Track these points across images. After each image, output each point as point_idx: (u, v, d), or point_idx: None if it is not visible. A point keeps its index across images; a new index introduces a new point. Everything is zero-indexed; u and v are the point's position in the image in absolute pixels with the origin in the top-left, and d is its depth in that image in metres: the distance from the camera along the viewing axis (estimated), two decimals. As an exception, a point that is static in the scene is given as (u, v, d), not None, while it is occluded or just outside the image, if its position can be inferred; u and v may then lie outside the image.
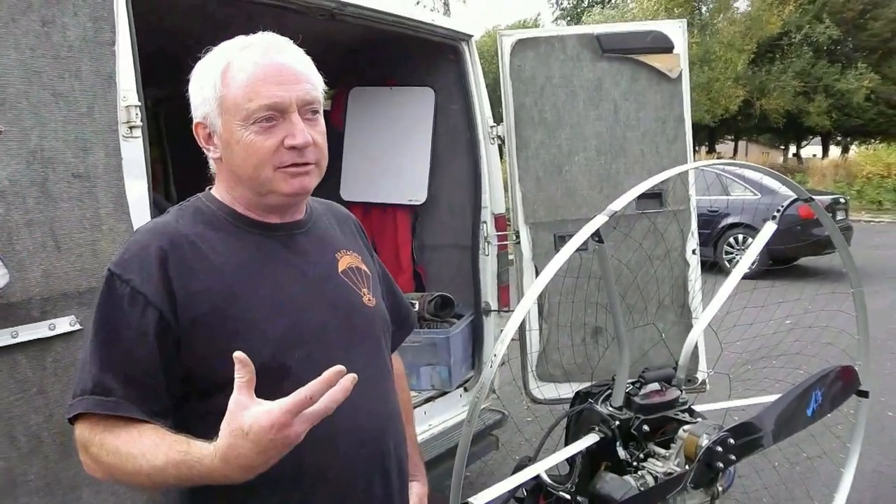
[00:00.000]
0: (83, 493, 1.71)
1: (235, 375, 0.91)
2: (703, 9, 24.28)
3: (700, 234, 3.64)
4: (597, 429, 1.68)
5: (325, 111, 1.23)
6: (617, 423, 1.64)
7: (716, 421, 1.62)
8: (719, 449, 1.46)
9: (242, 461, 0.91)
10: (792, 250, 8.61)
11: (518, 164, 3.25)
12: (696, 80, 19.32)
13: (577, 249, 1.38)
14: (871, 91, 24.26)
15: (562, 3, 33.17)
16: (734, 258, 9.53)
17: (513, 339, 1.37)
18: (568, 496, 1.70)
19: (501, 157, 3.44)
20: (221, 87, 1.12)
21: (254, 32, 1.17)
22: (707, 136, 28.69)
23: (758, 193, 9.59)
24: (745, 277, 1.85)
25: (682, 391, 1.75)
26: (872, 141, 28.18)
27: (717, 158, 23.82)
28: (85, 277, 1.73)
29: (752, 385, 2.63)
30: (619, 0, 28.14)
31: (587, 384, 1.84)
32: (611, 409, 1.69)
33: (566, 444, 1.74)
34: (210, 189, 1.24)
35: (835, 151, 30.80)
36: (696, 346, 1.93)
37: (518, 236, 3.29)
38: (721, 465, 1.47)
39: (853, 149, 30.03)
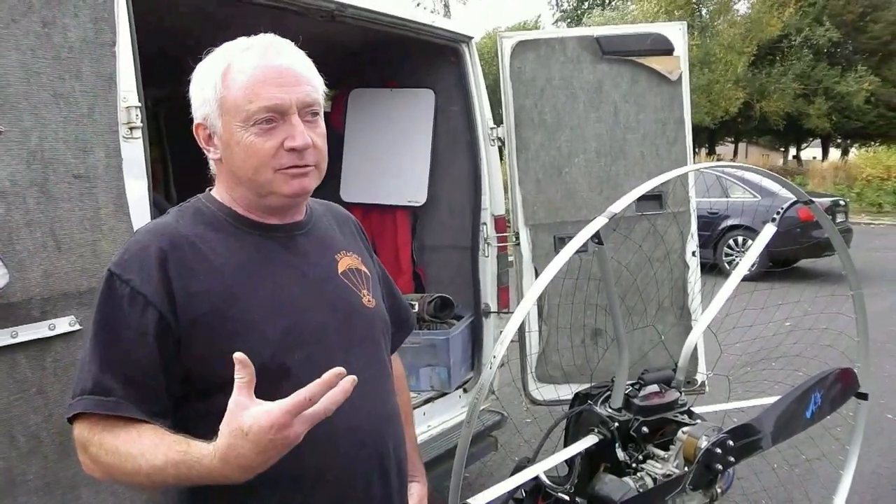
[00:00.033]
0: (82, 493, 1.71)
1: (235, 376, 0.92)
2: (704, 11, 24.32)
3: (700, 235, 3.64)
4: (596, 430, 1.68)
5: (325, 113, 1.24)
6: (616, 424, 1.64)
7: (715, 423, 1.62)
8: (718, 451, 1.46)
9: (242, 461, 0.91)
10: (792, 252, 8.62)
11: (518, 166, 3.25)
12: (696, 82, 19.34)
13: (577, 251, 1.38)
14: (870, 94, 24.28)
15: (562, 5, 33.22)
16: (734, 260, 9.54)
17: (512, 341, 1.37)
18: (567, 497, 1.70)
19: (501, 159, 3.45)
20: (222, 89, 1.12)
21: (254, 34, 1.17)
22: (707, 138, 28.69)
23: (757, 195, 9.60)
24: (745, 279, 1.85)
25: (681, 393, 1.75)
26: (872, 143, 28.22)
27: (717, 160, 23.82)
28: (85, 278, 1.73)
29: (751, 387, 2.63)
30: (619, 2, 28.20)
31: (586, 386, 1.84)
32: (610, 410, 1.69)
33: (565, 445, 1.74)
34: (210, 190, 1.24)
35: (835, 154, 30.80)
36: (695, 348, 1.93)
37: (518, 238, 3.29)
38: (720, 466, 1.47)
39: (853, 151, 30.06)
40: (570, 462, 1.71)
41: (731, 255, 9.70)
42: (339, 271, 1.26)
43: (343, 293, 1.24)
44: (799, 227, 8.03)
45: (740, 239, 9.76)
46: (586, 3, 31.70)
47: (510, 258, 3.42)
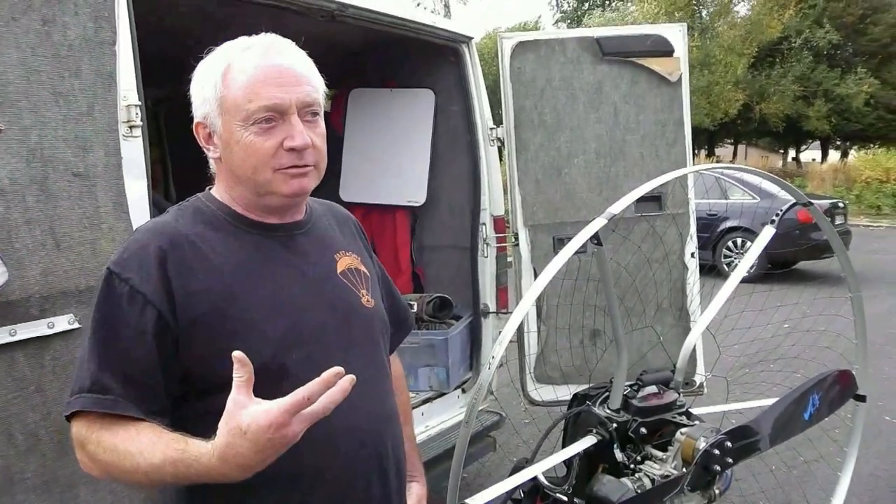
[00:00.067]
0: (80, 492, 1.71)
1: (234, 374, 0.92)
2: (704, 13, 24.33)
3: (699, 237, 3.64)
4: (594, 431, 1.68)
5: (325, 113, 1.24)
6: (614, 425, 1.64)
7: (713, 424, 1.63)
8: (716, 452, 1.47)
9: (240, 460, 0.91)
10: (790, 254, 8.62)
11: (517, 167, 3.26)
12: (695, 83, 19.36)
13: (576, 252, 1.38)
14: (870, 96, 24.32)
15: (562, 6, 33.25)
16: (733, 262, 9.54)
17: (511, 341, 1.37)
18: (565, 498, 1.70)
19: (501, 159, 3.45)
20: (222, 88, 1.12)
21: (254, 33, 1.17)
22: (706, 139, 28.72)
23: (757, 197, 9.60)
24: (744, 281, 1.86)
25: (679, 394, 1.75)
26: (871, 145, 28.25)
27: (717, 162, 23.84)
28: (84, 276, 1.73)
29: (749, 388, 2.63)
30: (619, 3, 28.20)
31: (585, 386, 1.84)
32: (608, 411, 1.69)
33: (564, 445, 1.74)
34: (210, 189, 1.24)
35: (834, 156, 30.83)
36: (693, 350, 1.93)
37: (517, 238, 3.30)
38: (718, 468, 1.47)
39: (852, 153, 30.08)
40: (568, 463, 1.72)
41: (730, 256, 9.71)
42: (339, 271, 1.26)
43: (342, 293, 1.24)
44: (798, 228, 8.04)
45: (739, 240, 9.77)
46: (586, 4, 31.72)
47: (509, 259, 3.42)
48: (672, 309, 3.41)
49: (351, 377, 0.92)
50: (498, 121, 3.33)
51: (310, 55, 1.18)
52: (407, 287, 3.80)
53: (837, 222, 9.75)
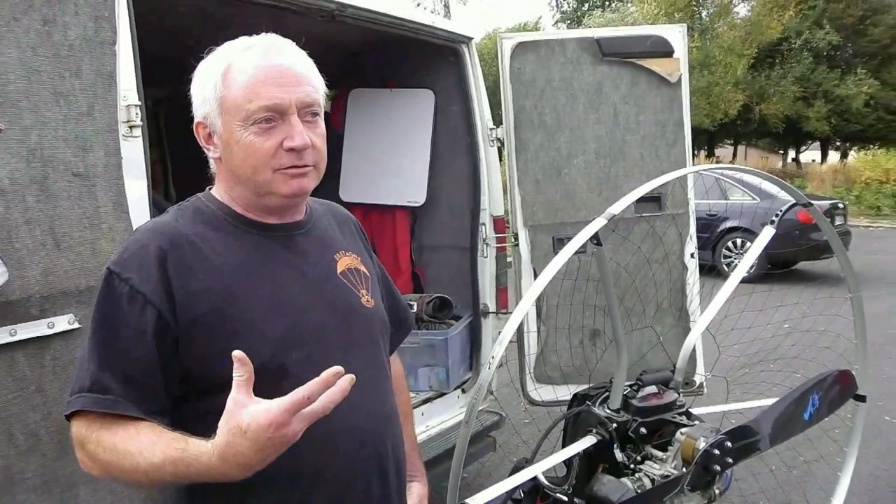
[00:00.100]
0: (80, 492, 1.71)
1: (234, 374, 0.92)
2: (704, 13, 24.34)
3: (699, 237, 3.65)
4: (594, 431, 1.68)
5: (325, 113, 1.24)
6: (614, 425, 1.64)
7: (713, 424, 1.63)
8: (716, 452, 1.47)
9: (240, 459, 0.91)
10: (790, 254, 8.63)
11: (517, 167, 3.26)
12: (695, 84, 19.37)
13: (576, 252, 1.38)
14: (870, 97, 24.32)
15: (562, 7, 33.26)
16: (732, 262, 9.55)
17: (511, 341, 1.37)
18: (565, 498, 1.70)
19: (501, 160, 3.45)
20: (222, 88, 1.12)
21: (254, 33, 1.17)
22: (706, 140, 28.72)
23: (756, 198, 9.60)
24: (744, 281, 1.86)
25: (679, 394, 1.75)
26: (871, 146, 28.24)
27: (717, 163, 23.83)
28: (84, 276, 1.73)
29: (749, 388, 2.63)
30: (619, 4, 28.22)
31: (585, 386, 1.84)
32: (608, 411, 1.69)
33: (563, 445, 1.74)
34: (210, 189, 1.24)
35: (834, 157, 30.83)
36: (693, 350, 1.93)
37: (517, 238, 3.30)
38: (718, 468, 1.47)
39: (852, 154, 30.08)
40: (568, 463, 1.72)
41: (730, 256, 9.72)
42: (339, 271, 1.26)
43: (342, 293, 1.24)
44: (798, 229, 8.05)
45: (739, 241, 9.77)
46: (586, 5, 31.74)
47: (509, 259, 3.42)
48: (672, 309, 3.41)
49: (350, 377, 0.92)
50: (498, 121, 3.33)
51: (310, 55, 1.18)
52: (407, 287, 3.80)
53: (837, 223, 9.75)
